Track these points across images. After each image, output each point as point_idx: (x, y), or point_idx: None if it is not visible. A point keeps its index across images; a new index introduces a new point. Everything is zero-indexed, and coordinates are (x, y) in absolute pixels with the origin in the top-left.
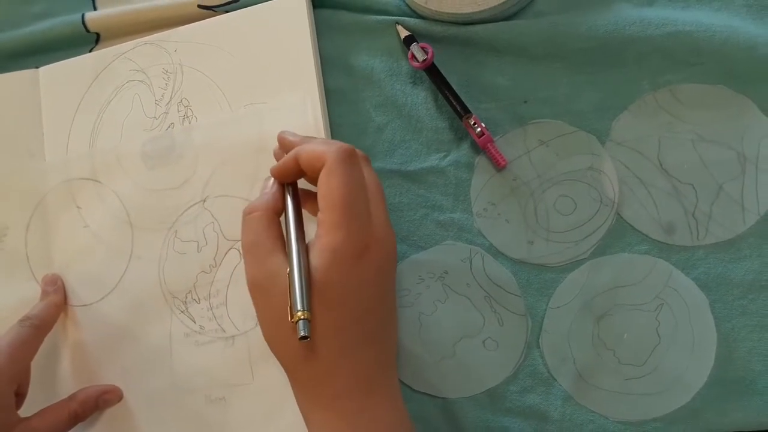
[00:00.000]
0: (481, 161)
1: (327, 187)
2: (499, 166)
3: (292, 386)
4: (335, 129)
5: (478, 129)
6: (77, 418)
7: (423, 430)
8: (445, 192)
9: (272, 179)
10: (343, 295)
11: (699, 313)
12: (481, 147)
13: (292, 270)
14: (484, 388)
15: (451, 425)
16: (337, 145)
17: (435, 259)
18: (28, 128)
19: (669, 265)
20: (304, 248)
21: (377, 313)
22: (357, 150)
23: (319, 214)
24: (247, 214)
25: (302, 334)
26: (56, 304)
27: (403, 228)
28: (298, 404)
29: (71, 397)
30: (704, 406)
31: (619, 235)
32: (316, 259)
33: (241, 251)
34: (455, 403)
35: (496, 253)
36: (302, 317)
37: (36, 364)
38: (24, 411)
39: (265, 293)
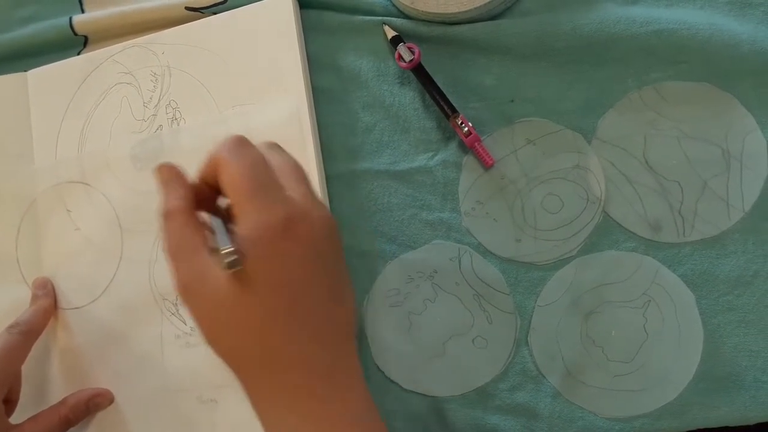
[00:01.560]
0: (468, 161)
1: (228, 178)
2: (486, 165)
3: (245, 390)
4: (323, 129)
5: (466, 128)
6: (69, 422)
7: (413, 428)
8: (434, 191)
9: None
10: (274, 274)
11: (685, 310)
12: (468, 146)
13: (215, 225)
14: (474, 387)
15: (441, 424)
16: (225, 139)
17: (424, 258)
18: (16, 132)
19: (656, 262)
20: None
21: (319, 292)
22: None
23: (233, 207)
24: (164, 214)
25: (231, 259)
26: (45, 310)
27: (392, 228)
28: (255, 409)
29: (62, 402)
30: (691, 402)
31: (606, 232)
32: (239, 247)
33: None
34: (445, 402)
35: (485, 252)
36: (229, 249)
37: (26, 368)
38: (15, 416)
39: (196, 294)
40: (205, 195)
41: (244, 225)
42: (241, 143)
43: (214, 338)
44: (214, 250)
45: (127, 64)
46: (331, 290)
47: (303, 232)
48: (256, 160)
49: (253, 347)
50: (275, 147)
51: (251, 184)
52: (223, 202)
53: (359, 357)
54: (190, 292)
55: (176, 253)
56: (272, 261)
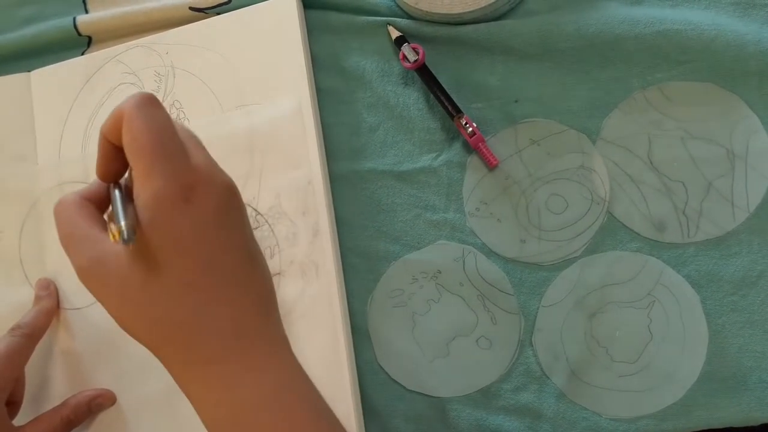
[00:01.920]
0: (473, 161)
1: (130, 135)
2: (490, 165)
3: (165, 367)
4: (327, 129)
5: (470, 129)
6: (70, 423)
7: (416, 429)
8: (438, 192)
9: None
10: (180, 243)
11: (690, 310)
12: (472, 147)
13: (112, 198)
14: (478, 387)
15: (445, 424)
16: (134, 94)
17: (428, 258)
18: (20, 132)
19: (660, 262)
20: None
21: (229, 258)
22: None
23: (132, 171)
24: (55, 208)
25: (124, 234)
26: (48, 311)
27: (396, 228)
28: (178, 385)
29: (64, 404)
30: (696, 403)
31: (611, 233)
32: (140, 215)
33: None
34: (449, 402)
35: (489, 253)
36: (124, 225)
37: (28, 369)
38: (17, 417)
39: (97, 278)
40: (109, 156)
41: (146, 191)
42: (151, 101)
43: (124, 320)
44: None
45: (131, 64)
46: (241, 256)
47: (207, 198)
48: (164, 122)
49: (165, 322)
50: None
51: (154, 146)
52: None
53: (280, 324)
54: (89, 276)
55: (69, 241)
56: (176, 229)
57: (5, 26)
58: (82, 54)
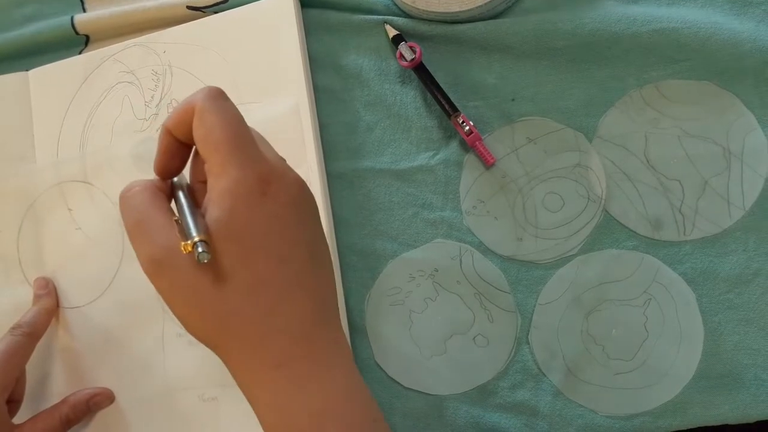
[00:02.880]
0: (469, 159)
1: (204, 129)
2: (487, 163)
3: (228, 367)
4: (324, 128)
5: (467, 127)
6: (69, 422)
7: (413, 426)
8: (435, 190)
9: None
10: (257, 237)
11: (686, 308)
12: (469, 145)
13: (179, 203)
14: (475, 385)
15: (442, 422)
16: (203, 88)
17: (425, 257)
18: (18, 131)
19: (656, 260)
20: (196, 209)
21: (299, 257)
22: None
23: (205, 165)
24: (124, 193)
25: (200, 250)
26: (47, 310)
27: (393, 227)
28: (240, 386)
29: (62, 402)
30: (692, 400)
31: (607, 231)
32: (215, 209)
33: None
34: (446, 400)
35: (486, 251)
36: (198, 239)
37: (27, 367)
38: (17, 416)
39: (167, 269)
40: (172, 152)
41: (222, 183)
42: (222, 95)
43: (191, 317)
44: (181, 231)
45: (129, 63)
46: (311, 254)
47: (282, 193)
48: (236, 115)
49: (236, 321)
50: None
51: (231, 138)
52: (184, 180)
53: (343, 332)
54: (158, 267)
55: (138, 229)
56: (253, 223)
57: (3, 25)
58: (80, 53)
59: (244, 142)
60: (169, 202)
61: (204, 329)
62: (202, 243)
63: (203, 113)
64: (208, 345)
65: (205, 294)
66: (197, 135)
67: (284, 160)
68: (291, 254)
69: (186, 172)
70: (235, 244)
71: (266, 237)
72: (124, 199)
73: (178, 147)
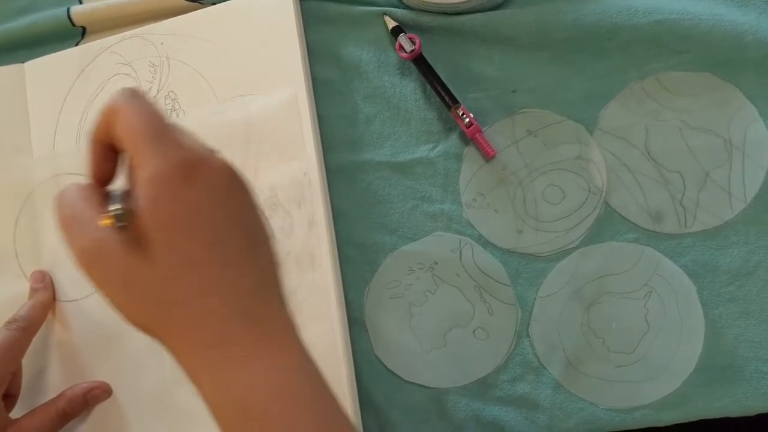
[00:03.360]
0: (469, 152)
1: (123, 125)
2: (487, 156)
3: (170, 353)
4: (323, 120)
5: (467, 119)
6: (66, 416)
7: (414, 420)
8: (434, 183)
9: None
10: (183, 221)
11: (687, 301)
12: (469, 137)
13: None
14: (475, 378)
15: (442, 415)
16: (119, 90)
17: (425, 250)
18: (14, 123)
19: (657, 253)
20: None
21: (231, 239)
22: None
23: (127, 156)
24: (58, 193)
25: (116, 214)
26: (43, 304)
27: (392, 219)
28: (184, 371)
29: (59, 396)
30: (692, 393)
31: (608, 223)
32: (139, 198)
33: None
34: (446, 393)
35: (486, 243)
36: (115, 209)
37: (23, 361)
38: (14, 411)
39: (98, 260)
40: (102, 156)
41: (146, 172)
42: (137, 93)
43: (125, 305)
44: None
45: (126, 54)
46: (246, 236)
47: (205, 177)
48: (153, 109)
49: (169, 304)
50: None
51: (149, 129)
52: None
53: (288, 310)
54: (89, 261)
55: (69, 223)
56: (178, 207)
57: None
58: (77, 45)
59: (162, 131)
60: (105, 203)
61: (139, 316)
62: (119, 211)
63: (121, 111)
64: (146, 333)
65: (137, 281)
66: (118, 132)
67: (212, 151)
68: (221, 237)
69: None
70: (162, 231)
71: (193, 221)
72: (57, 197)
73: (106, 151)
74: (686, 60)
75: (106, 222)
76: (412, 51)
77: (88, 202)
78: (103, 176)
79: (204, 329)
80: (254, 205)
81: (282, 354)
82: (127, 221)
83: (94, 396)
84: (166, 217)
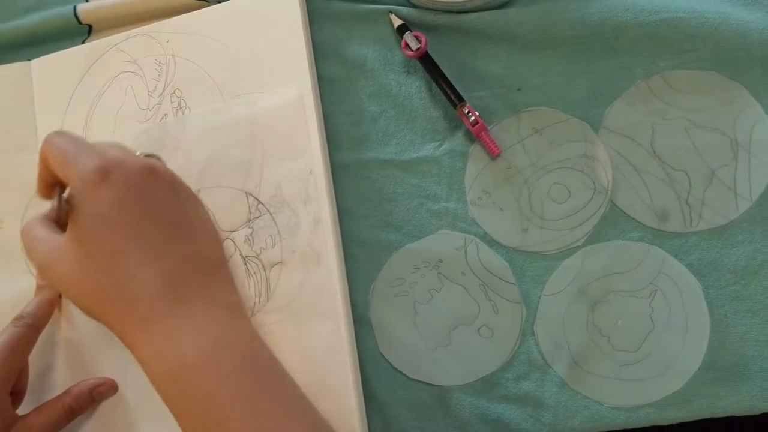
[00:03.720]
0: (475, 150)
1: (49, 155)
2: (493, 154)
3: (115, 333)
4: (328, 119)
5: (472, 117)
6: (73, 412)
7: (418, 417)
8: (440, 181)
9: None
10: (104, 217)
11: (692, 299)
12: (475, 135)
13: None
14: (480, 376)
15: (447, 413)
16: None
17: (430, 248)
18: (20, 121)
19: (663, 251)
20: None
21: (154, 227)
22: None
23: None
24: (23, 226)
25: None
26: (50, 301)
27: (397, 217)
28: (127, 347)
29: (66, 393)
30: (697, 392)
31: (613, 222)
32: (73, 207)
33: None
34: (451, 391)
35: (491, 242)
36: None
37: (30, 358)
38: (21, 408)
39: (52, 268)
40: (49, 185)
41: (72, 182)
42: (59, 131)
43: (75, 297)
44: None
45: (132, 52)
46: (169, 225)
47: (120, 178)
48: (70, 135)
49: (103, 290)
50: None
51: (67, 149)
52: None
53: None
54: (46, 270)
55: (29, 248)
56: (92, 207)
57: (6, 15)
58: (83, 43)
59: (82, 147)
60: (62, 224)
61: (86, 306)
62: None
63: (46, 146)
64: (97, 319)
65: (77, 277)
66: (47, 158)
67: (131, 153)
68: (140, 229)
69: None
70: (87, 231)
71: (112, 217)
72: (22, 230)
73: (54, 189)
74: (692, 58)
75: (54, 207)
76: (418, 49)
77: (43, 226)
78: (49, 196)
79: (135, 309)
80: (177, 198)
81: (213, 328)
82: (66, 207)
83: (100, 392)
84: (89, 216)
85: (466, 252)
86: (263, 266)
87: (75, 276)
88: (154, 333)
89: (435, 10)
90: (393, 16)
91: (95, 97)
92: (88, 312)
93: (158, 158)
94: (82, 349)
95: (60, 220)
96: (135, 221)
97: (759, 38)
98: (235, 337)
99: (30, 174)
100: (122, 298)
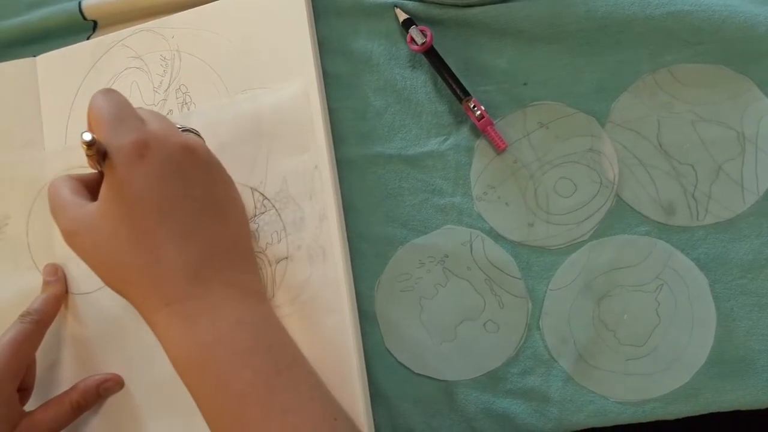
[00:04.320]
0: (481, 144)
1: (92, 117)
2: (498, 149)
3: (138, 310)
4: (333, 114)
5: (478, 112)
6: (80, 408)
7: (424, 412)
8: (445, 176)
9: None
10: (138, 194)
11: (699, 294)
12: (480, 130)
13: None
14: (485, 371)
15: (452, 408)
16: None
17: (435, 243)
18: (26, 117)
19: (669, 245)
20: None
21: (183, 210)
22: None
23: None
24: (48, 185)
25: (87, 138)
26: (57, 297)
27: (403, 212)
28: (149, 325)
29: (72, 388)
30: (703, 386)
31: (619, 216)
32: (105, 178)
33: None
34: (456, 386)
35: (496, 237)
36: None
37: (38, 355)
38: (28, 403)
39: (78, 235)
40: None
41: (109, 152)
42: (108, 90)
43: (99, 269)
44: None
45: (137, 48)
46: (199, 208)
47: (159, 154)
48: (118, 99)
49: (129, 267)
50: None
51: (109, 116)
52: None
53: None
54: (71, 236)
55: (55, 209)
56: (134, 182)
57: (10, 11)
58: (88, 38)
59: (124, 116)
60: (90, 191)
61: (109, 279)
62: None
63: (92, 103)
64: (119, 293)
65: (103, 250)
66: (90, 124)
67: (173, 128)
68: (173, 207)
69: None
70: (119, 204)
71: (146, 193)
72: (48, 188)
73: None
74: (699, 52)
75: (86, 152)
76: (424, 43)
77: (71, 188)
78: (85, 179)
79: (158, 289)
80: (212, 179)
81: (230, 310)
82: (91, 139)
83: (106, 388)
84: (122, 191)
85: (471, 247)
86: (269, 261)
87: (102, 249)
88: (174, 314)
89: (440, 4)
90: (398, 11)
91: None
92: (110, 285)
93: (197, 134)
94: (89, 344)
95: (90, 186)
96: (168, 200)
97: (766, 31)
98: (253, 319)
99: (36, 170)
100: (146, 276)
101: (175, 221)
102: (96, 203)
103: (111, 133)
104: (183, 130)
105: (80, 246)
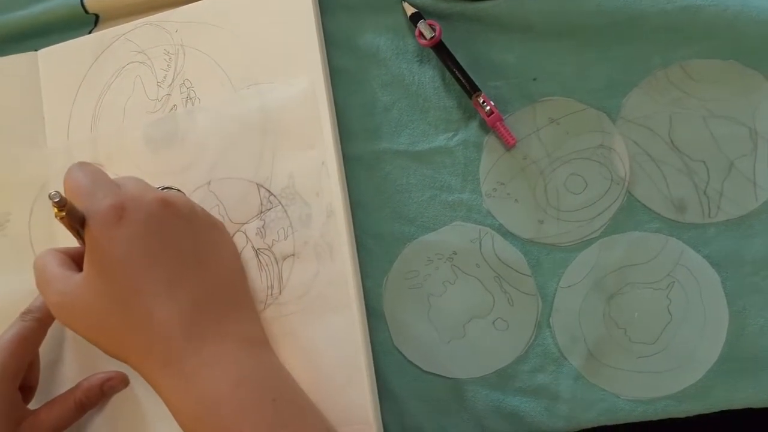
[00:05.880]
0: (490, 140)
1: (68, 188)
2: (508, 145)
3: (135, 370)
4: (340, 110)
5: (487, 107)
6: (84, 406)
7: (433, 410)
8: (454, 172)
9: None
10: (120, 255)
11: (710, 291)
12: (490, 126)
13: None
14: (495, 369)
15: (462, 405)
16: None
17: (444, 240)
18: (28, 112)
19: (680, 243)
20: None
21: (168, 263)
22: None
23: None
24: (34, 260)
25: (56, 199)
26: None
27: (411, 209)
28: (150, 384)
29: (76, 387)
30: (715, 384)
31: (630, 213)
32: (86, 247)
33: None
34: (465, 384)
35: (506, 234)
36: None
37: (41, 353)
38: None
39: (67, 307)
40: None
41: (88, 220)
42: (83, 163)
43: (94, 338)
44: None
45: (140, 42)
46: (185, 260)
47: (135, 214)
48: (92, 169)
49: (123, 330)
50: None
51: (85, 185)
52: None
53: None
54: (60, 309)
55: (42, 283)
56: (115, 244)
57: (11, 4)
58: (90, 32)
59: (97, 184)
60: (77, 262)
61: (106, 346)
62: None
63: (67, 179)
64: (118, 358)
65: (94, 318)
66: (66, 191)
67: (147, 186)
68: (156, 261)
69: None
70: (103, 269)
71: (128, 255)
72: (34, 263)
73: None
74: (712, 47)
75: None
76: (432, 38)
77: (57, 261)
78: (70, 252)
79: (155, 349)
80: (193, 228)
81: (230, 365)
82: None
83: (110, 386)
84: (104, 256)
85: (480, 244)
86: (275, 259)
87: (93, 316)
88: (174, 374)
89: None
90: (406, 5)
91: (103, 87)
92: (109, 352)
93: (178, 190)
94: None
95: (77, 258)
96: (151, 256)
97: None
98: (253, 372)
99: (38, 166)
100: (141, 336)
101: (160, 272)
102: (81, 273)
103: (87, 200)
104: (162, 189)
105: (71, 317)
